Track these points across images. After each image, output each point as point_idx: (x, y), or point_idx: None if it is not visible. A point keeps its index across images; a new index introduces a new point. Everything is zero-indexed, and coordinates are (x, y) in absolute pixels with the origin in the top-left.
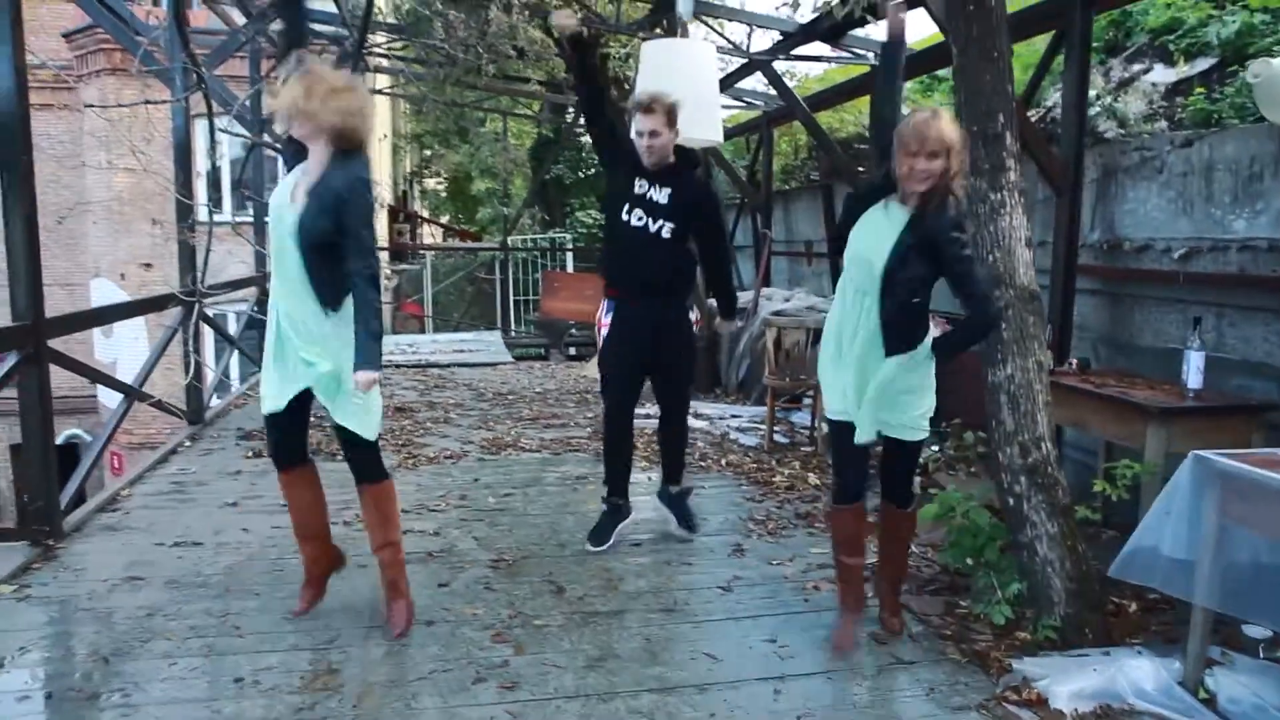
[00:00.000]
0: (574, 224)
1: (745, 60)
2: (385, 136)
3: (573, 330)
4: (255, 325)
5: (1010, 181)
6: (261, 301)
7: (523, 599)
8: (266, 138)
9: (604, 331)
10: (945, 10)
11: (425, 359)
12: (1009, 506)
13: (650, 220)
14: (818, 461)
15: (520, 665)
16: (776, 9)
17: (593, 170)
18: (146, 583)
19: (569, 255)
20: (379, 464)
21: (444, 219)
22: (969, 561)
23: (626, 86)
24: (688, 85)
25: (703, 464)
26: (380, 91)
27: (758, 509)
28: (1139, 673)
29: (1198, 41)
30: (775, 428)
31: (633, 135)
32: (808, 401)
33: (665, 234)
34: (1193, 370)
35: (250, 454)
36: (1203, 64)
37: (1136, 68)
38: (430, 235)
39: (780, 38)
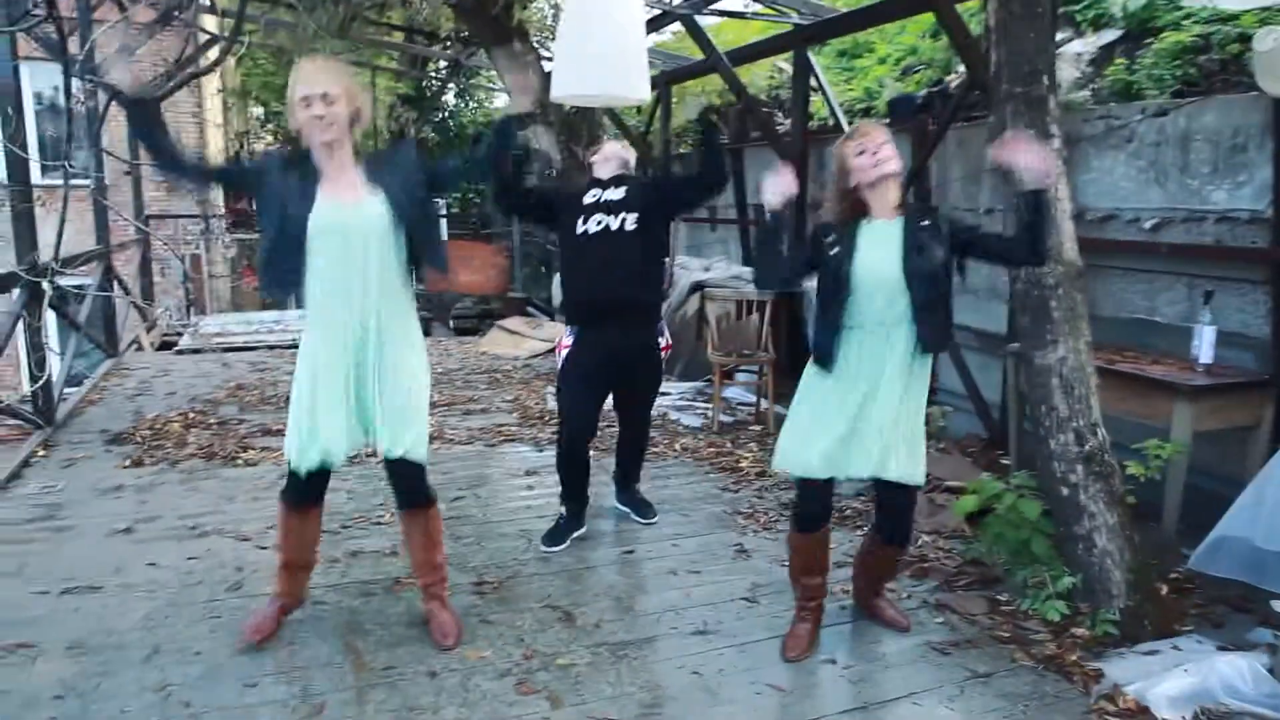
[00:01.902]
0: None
1: (660, 12)
2: (219, 91)
3: (465, 303)
4: (98, 304)
5: (1055, 149)
6: (112, 276)
7: (531, 632)
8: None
9: (563, 353)
10: None
11: (299, 337)
12: (1063, 496)
13: (611, 219)
14: (774, 442)
15: None
16: None
17: (466, 129)
18: (40, 651)
19: (443, 222)
20: (428, 484)
21: None
22: (1005, 554)
23: (546, 35)
24: (614, 37)
25: (654, 449)
26: (220, 38)
27: (738, 500)
28: (1230, 670)
29: (1104, 13)
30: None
31: (595, 159)
32: (744, 376)
33: (630, 225)
34: (1205, 345)
35: (127, 462)
36: (1109, 35)
37: (1060, 36)
38: None
39: None
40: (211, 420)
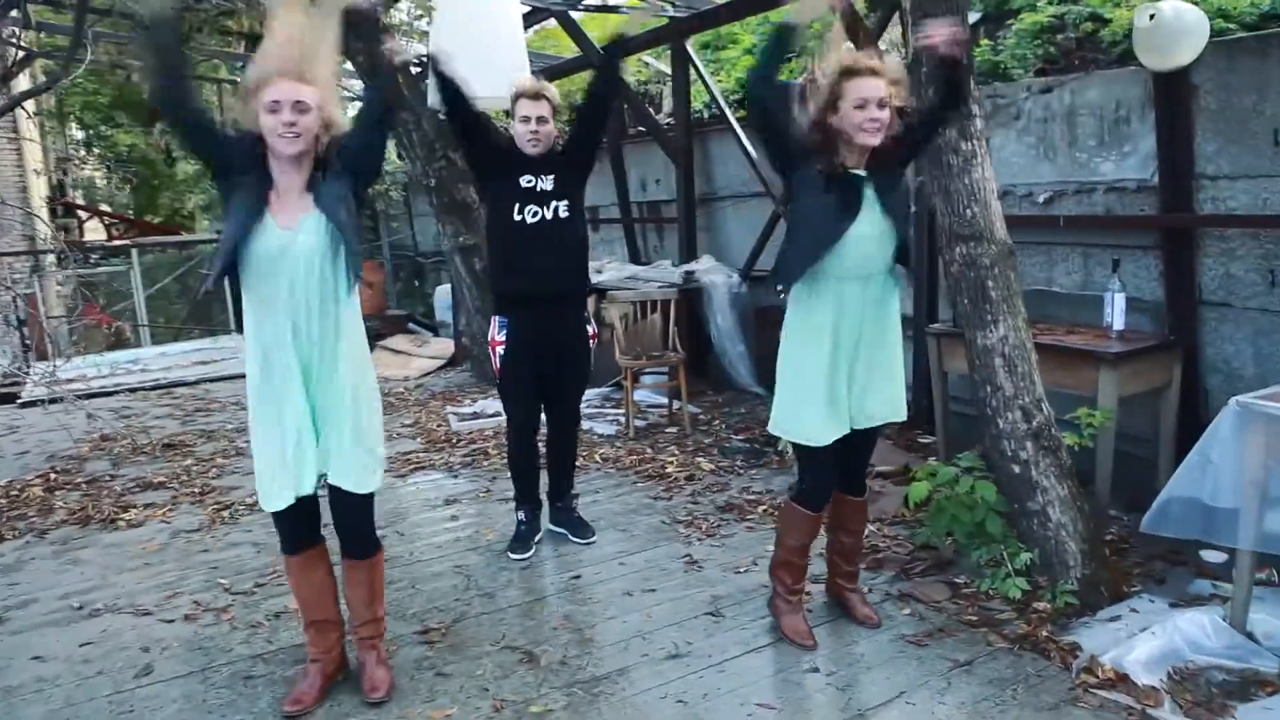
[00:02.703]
0: None
1: (532, 9)
2: (35, 113)
3: None
4: None
5: (979, 130)
6: None
7: (494, 680)
8: None
9: (499, 350)
10: None
11: (163, 378)
12: (1015, 474)
13: (544, 210)
14: (695, 444)
15: None
16: None
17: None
18: None
19: None
20: (373, 526)
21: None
22: (961, 537)
23: (416, 39)
24: (490, 36)
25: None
26: (35, 53)
27: (674, 509)
28: (1192, 627)
29: None
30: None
31: (515, 124)
32: (648, 377)
33: (563, 213)
34: (1117, 312)
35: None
36: (970, 17)
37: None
38: (93, 231)
39: None
40: (79, 479)
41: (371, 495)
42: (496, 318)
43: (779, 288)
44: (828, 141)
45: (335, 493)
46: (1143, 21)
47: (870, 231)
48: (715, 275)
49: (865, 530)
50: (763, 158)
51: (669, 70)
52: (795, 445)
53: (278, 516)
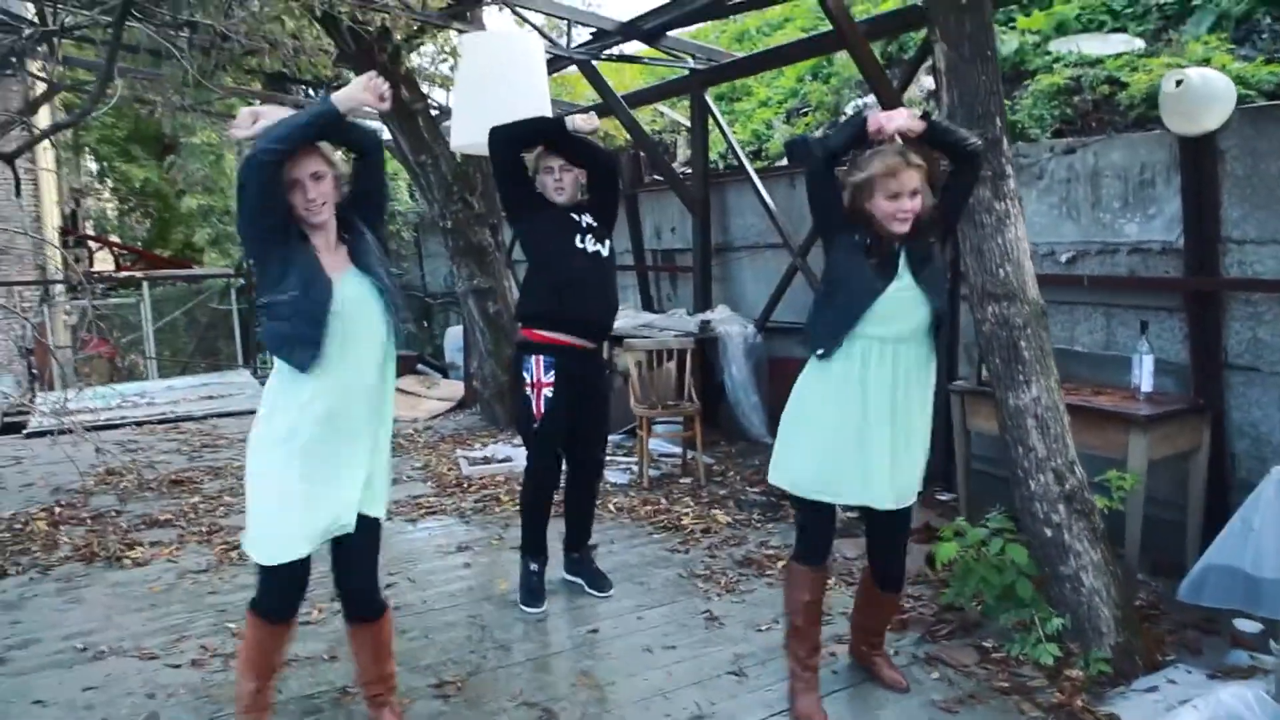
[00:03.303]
0: None
1: (553, 57)
2: (54, 144)
3: None
4: None
5: (1011, 190)
6: None
7: None
8: None
9: (545, 393)
10: (932, 5)
11: (170, 411)
12: (1047, 538)
13: (600, 245)
14: (710, 496)
15: None
16: (589, 4)
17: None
18: None
19: None
20: (379, 587)
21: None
22: (989, 599)
23: (438, 83)
24: (517, 84)
25: None
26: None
27: (691, 562)
28: (1235, 701)
29: None
30: (635, 457)
31: (540, 175)
32: (660, 426)
33: (605, 251)
34: (1145, 374)
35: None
36: None
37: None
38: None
39: (592, 35)
40: (84, 514)
41: (377, 550)
42: (540, 358)
43: (819, 351)
44: (865, 218)
45: (346, 545)
46: (1170, 87)
47: (905, 296)
48: (731, 325)
49: (889, 624)
50: (782, 207)
51: (683, 119)
52: (793, 499)
53: (274, 575)
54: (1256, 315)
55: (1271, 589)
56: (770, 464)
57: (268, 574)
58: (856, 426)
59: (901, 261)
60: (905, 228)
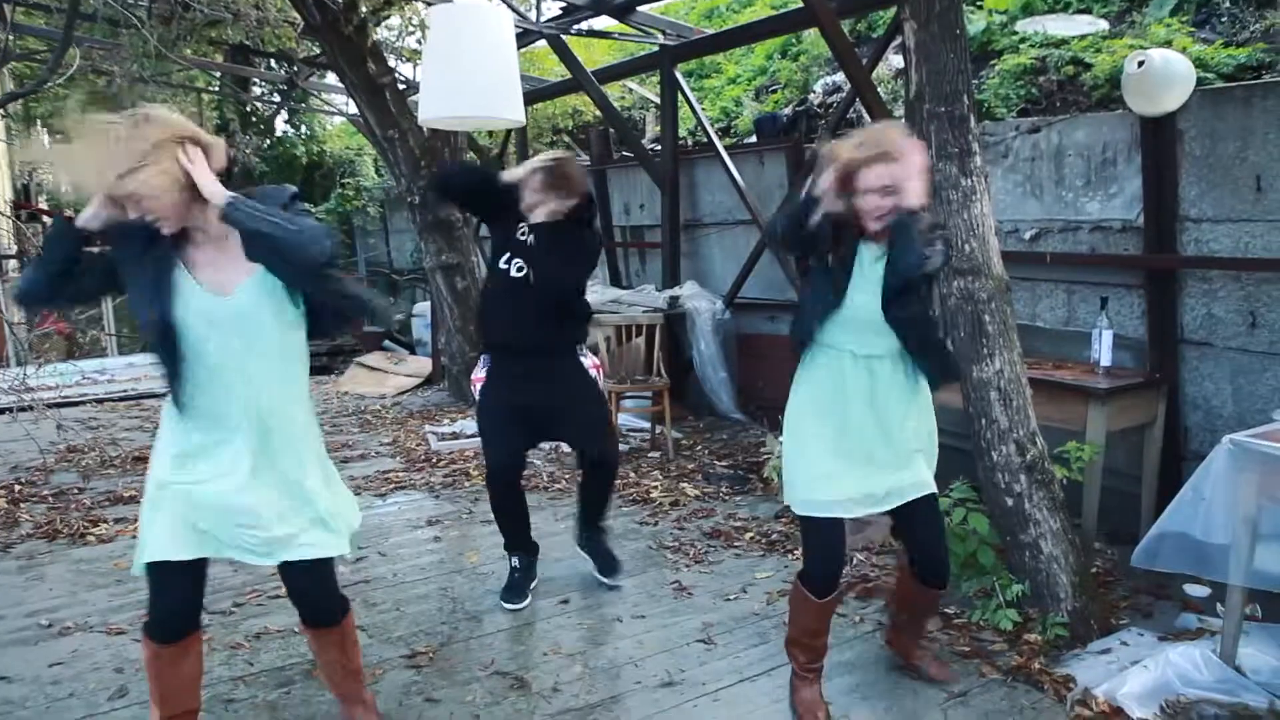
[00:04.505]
0: None
1: (522, 31)
2: (5, 115)
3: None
4: None
5: (978, 166)
6: None
7: (485, 706)
8: None
9: (478, 388)
10: None
11: (131, 389)
12: (1008, 507)
13: (529, 268)
14: (678, 469)
15: None
16: None
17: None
18: None
19: None
20: (337, 587)
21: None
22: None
23: (405, 57)
24: (486, 58)
25: (556, 485)
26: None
27: (660, 534)
28: (1184, 660)
29: None
30: None
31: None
32: (628, 401)
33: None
34: (1104, 349)
35: None
36: None
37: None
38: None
39: (562, 10)
40: (45, 491)
41: (325, 580)
42: (482, 355)
43: (799, 345)
44: (841, 221)
45: (289, 571)
46: (1132, 68)
47: (871, 303)
48: (699, 301)
49: (932, 620)
50: (751, 184)
51: (652, 96)
52: (798, 516)
53: (162, 586)
54: (1211, 292)
55: (1219, 554)
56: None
57: (155, 586)
58: (836, 429)
59: (876, 267)
60: (881, 224)
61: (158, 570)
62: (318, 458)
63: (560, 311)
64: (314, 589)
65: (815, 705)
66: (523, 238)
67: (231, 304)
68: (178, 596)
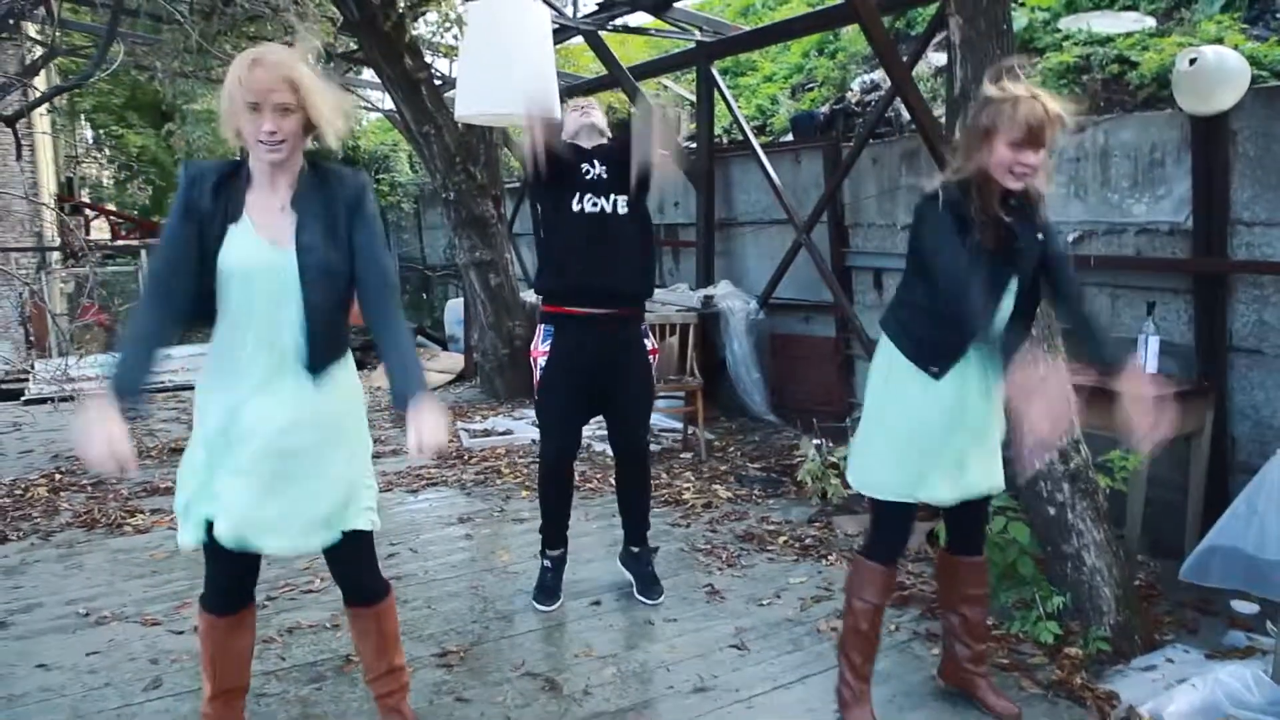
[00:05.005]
0: None
1: (559, 27)
2: (51, 110)
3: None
4: None
5: None
6: None
7: (516, 708)
8: None
9: (541, 362)
10: None
11: (169, 380)
12: (1050, 516)
13: (605, 201)
14: (711, 471)
15: None
16: None
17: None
18: None
19: None
20: (378, 569)
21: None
22: (991, 577)
23: (442, 53)
24: (523, 54)
25: (589, 484)
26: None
27: (692, 536)
28: (1233, 680)
29: None
30: None
31: (569, 124)
32: (662, 402)
33: (622, 209)
34: (1151, 355)
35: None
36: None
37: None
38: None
39: (599, 6)
40: (84, 480)
41: (366, 555)
42: (542, 326)
43: (934, 369)
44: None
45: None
46: (1184, 65)
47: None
48: (733, 300)
49: (988, 598)
50: (787, 183)
51: (686, 94)
52: (874, 500)
53: (217, 560)
54: (1263, 298)
55: (1274, 570)
56: (848, 467)
57: (210, 560)
58: (945, 428)
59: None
60: (1019, 185)
61: (214, 541)
62: None
63: (644, 246)
64: (354, 575)
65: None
66: (589, 176)
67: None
68: (234, 568)
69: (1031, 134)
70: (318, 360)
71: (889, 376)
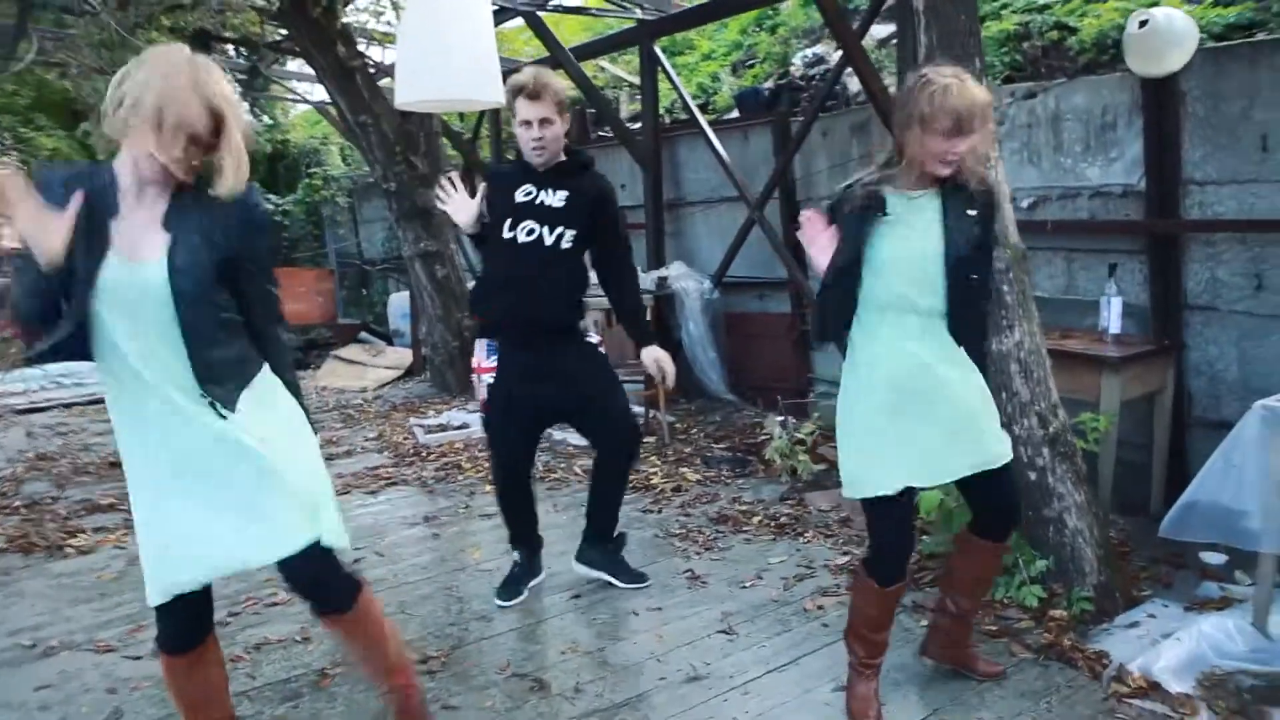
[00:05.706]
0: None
1: (499, 9)
2: None
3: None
4: None
5: (990, 130)
6: None
7: (506, 711)
8: None
9: (487, 379)
10: None
11: (99, 392)
12: (1031, 481)
13: (546, 230)
14: (676, 454)
15: None
16: None
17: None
18: None
19: None
20: (341, 573)
21: None
22: None
23: (375, 40)
24: (463, 37)
25: (554, 475)
26: None
27: (666, 522)
28: (1217, 632)
29: None
30: None
31: (516, 128)
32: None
33: (565, 244)
34: (1114, 316)
35: None
36: None
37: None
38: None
39: None
40: (16, 502)
41: (326, 565)
42: (484, 341)
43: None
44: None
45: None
46: (1134, 28)
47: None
48: (687, 281)
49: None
50: (736, 160)
51: (625, 75)
52: (863, 503)
53: (168, 610)
54: (1215, 255)
55: (1248, 519)
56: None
57: (157, 609)
58: (891, 408)
59: (916, 205)
60: (948, 170)
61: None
62: None
63: (573, 282)
64: (311, 585)
65: (869, 702)
66: (533, 200)
67: None
68: (189, 603)
69: (960, 123)
70: (213, 386)
71: (843, 374)
